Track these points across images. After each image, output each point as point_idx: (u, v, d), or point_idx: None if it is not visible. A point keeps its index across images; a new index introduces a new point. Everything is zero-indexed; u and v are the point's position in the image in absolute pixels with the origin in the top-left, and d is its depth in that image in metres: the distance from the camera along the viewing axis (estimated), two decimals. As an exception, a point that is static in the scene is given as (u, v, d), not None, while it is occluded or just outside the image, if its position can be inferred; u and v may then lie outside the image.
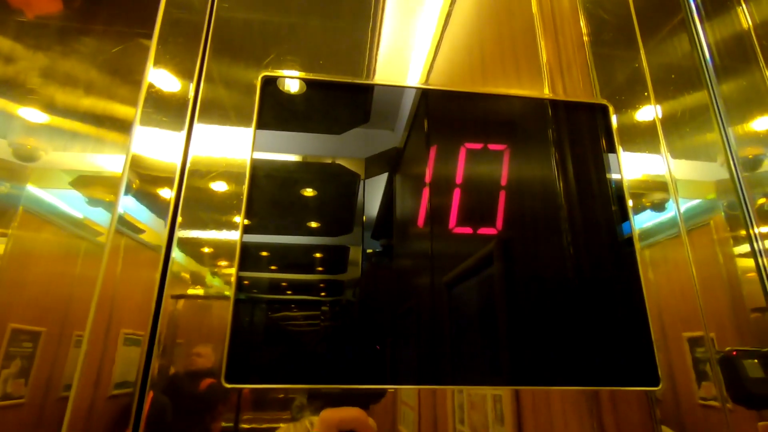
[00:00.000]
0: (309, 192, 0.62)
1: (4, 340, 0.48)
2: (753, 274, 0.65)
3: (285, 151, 0.63)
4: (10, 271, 0.51)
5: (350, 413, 0.51)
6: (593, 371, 0.58)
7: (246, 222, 0.57)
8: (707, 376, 0.58)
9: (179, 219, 0.56)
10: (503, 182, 0.65)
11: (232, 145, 0.61)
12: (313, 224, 0.60)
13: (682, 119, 0.74)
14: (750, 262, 0.65)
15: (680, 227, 0.66)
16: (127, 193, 0.56)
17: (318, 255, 0.59)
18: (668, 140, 0.72)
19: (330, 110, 0.67)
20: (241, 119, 0.62)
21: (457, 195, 0.64)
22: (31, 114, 0.58)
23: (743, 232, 0.67)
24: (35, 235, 0.53)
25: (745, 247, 0.66)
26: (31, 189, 0.55)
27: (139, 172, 0.57)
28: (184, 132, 0.60)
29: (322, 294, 0.57)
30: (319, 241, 0.60)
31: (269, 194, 0.60)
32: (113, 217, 0.54)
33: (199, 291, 0.54)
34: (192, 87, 0.62)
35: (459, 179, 0.65)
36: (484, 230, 0.62)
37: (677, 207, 0.67)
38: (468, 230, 0.62)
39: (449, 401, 0.54)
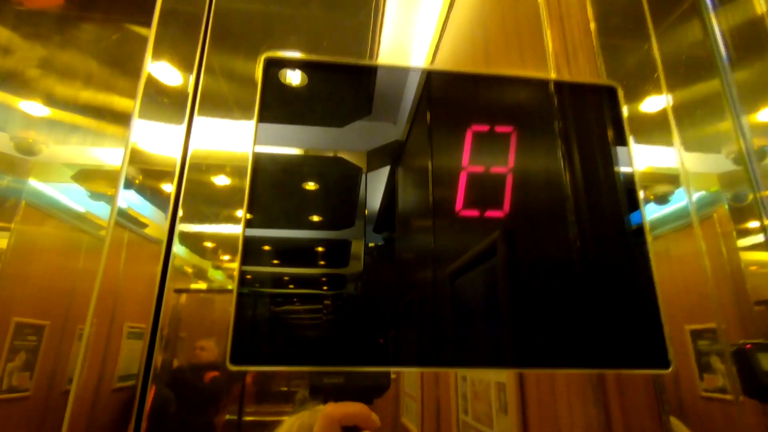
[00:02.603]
0: (311, 186, 0.61)
1: (8, 334, 0.48)
2: (756, 267, 0.64)
3: (286, 144, 0.62)
4: (13, 264, 0.51)
5: (353, 408, 0.50)
6: (602, 354, 0.57)
7: (248, 216, 0.57)
8: (713, 368, 0.58)
9: (180, 213, 0.55)
10: (510, 164, 0.64)
11: (233, 138, 0.60)
12: (315, 218, 0.60)
13: (693, 107, 0.72)
14: (754, 255, 0.64)
15: (692, 217, 0.65)
16: (127, 186, 0.55)
17: (320, 249, 0.59)
18: (680, 128, 0.70)
19: (332, 97, 0.66)
20: (243, 112, 0.61)
21: (463, 178, 0.63)
22: (32, 107, 0.58)
23: (750, 224, 0.66)
24: (37, 228, 0.53)
25: (750, 240, 0.65)
26: (33, 183, 0.54)
27: (139, 165, 0.57)
28: (185, 125, 0.59)
29: (325, 288, 0.57)
30: (321, 234, 0.60)
31: (271, 188, 0.60)
32: (113, 211, 0.54)
33: (201, 285, 0.54)
34: (192, 79, 0.61)
35: (465, 162, 0.64)
36: (491, 213, 0.62)
37: (689, 197, 0.66)
38: (475, 213, 0.62)
39: (452, 391, 0.54)
